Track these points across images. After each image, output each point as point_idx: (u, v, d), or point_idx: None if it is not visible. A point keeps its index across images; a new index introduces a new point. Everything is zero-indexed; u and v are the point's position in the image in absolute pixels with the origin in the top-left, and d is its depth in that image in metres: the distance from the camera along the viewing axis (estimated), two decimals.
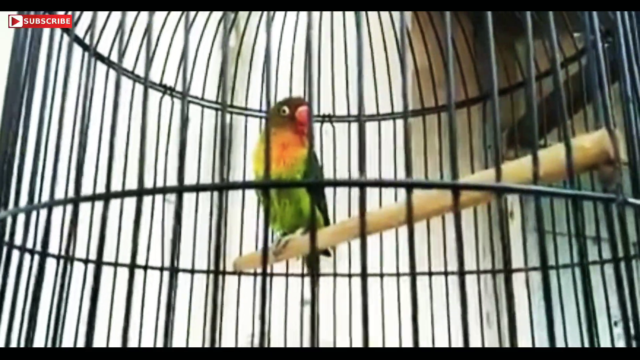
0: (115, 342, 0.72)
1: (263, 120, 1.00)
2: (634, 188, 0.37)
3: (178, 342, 0.82)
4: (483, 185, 0.33)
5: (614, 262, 0.35)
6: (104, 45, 0.77)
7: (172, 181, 0.81)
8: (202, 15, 0.96)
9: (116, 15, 0.71)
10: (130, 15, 0.74)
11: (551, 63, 0.45)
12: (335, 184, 0.33)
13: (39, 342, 0.48)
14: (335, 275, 0.91)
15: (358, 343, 0.32)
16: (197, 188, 0.33)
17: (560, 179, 0.37)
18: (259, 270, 0.90)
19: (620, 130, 0.39)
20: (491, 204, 0.79)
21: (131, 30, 0.73)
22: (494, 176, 0.33)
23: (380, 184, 0.31)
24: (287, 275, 0.91)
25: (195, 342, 0.83)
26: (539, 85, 0.85)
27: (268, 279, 0.89)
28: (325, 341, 0.88)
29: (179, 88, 0.93)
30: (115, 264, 0.72)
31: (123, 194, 0.34)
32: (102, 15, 0.73)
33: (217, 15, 0.99)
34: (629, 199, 0.34)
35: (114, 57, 0.81)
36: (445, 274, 0.85)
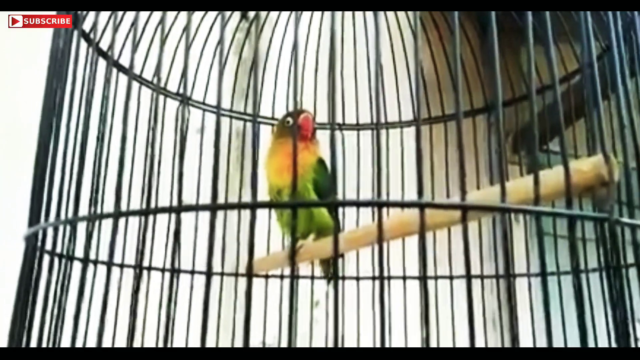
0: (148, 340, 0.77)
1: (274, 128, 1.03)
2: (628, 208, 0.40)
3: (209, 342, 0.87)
4: (490, 206, 0.37)
5: (606, 271, 0.39)
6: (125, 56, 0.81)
7: (191, 191, 0.84)
8: (217, 23, 0.99)
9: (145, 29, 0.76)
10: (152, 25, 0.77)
11: (551, 80, 0.48)
12: (355, 204, 0.36)
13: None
14: (343, 278, 0.95)
15: (366, 343, 0.36)
16: (229, 206, 0.36)
17: (559, 198, 0.41)
18: (270, 273, 0.94)
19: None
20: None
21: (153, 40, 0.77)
22: (498, 194, 0.36)
23: (397, 204, 0.35)
24: (297, 277, 0.95)
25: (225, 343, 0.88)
26: (542, 96, 0.88)
27: (280, 281, 0.93)
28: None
29: (195, 97, 0.97)
30: (149, 268, 0.78)
31: (160, 210, 0.38)
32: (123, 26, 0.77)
33: (232, 24, 1.03)
34: (621, 218, 0.38)
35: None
36: (451, 277, 0.88)
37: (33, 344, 0.47)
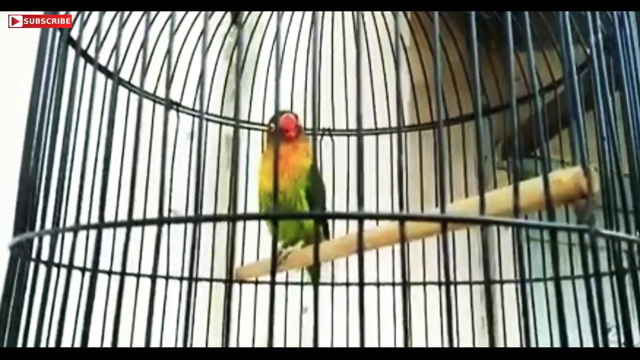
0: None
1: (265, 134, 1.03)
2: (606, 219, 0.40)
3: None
4: (469, 218, 0.37)
5: (586, 280, 0.40)
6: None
7: (180, 198, 0.84)
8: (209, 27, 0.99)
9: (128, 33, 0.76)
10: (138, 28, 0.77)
11: (531, 89, 0.48)
12: (336, 216, 0.37)
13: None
14: (333, 284, 0.95)
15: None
16: (211, 218, 0.36)
17: (539, 209, 0.41)
18: (260, 279, 0.94)
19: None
20: None
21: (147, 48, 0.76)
22: (478, 206, 0.37)
23: (376, 216, 0.35)
24: (287, 284, 0.95)
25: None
26: (529, 103, 0.89)
27: (270, 287, 0.93)
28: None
29: (184, 102, 0.97)
30: (138, 275, 0.78)
31: (144, 222, 0.38)
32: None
33: (223, 29, 1.03)
34: (601, 229, 0.38)
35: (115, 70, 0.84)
36: (439, 284, 0.89)
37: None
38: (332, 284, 0.95)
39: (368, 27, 0.97)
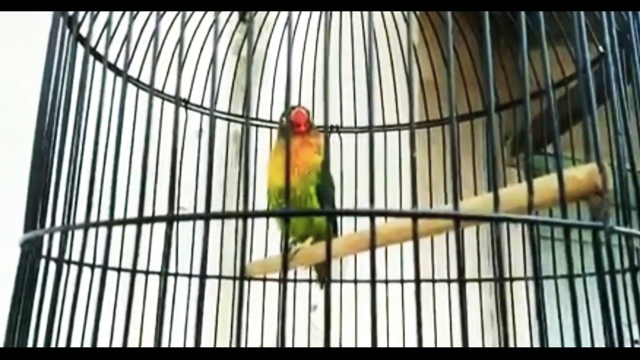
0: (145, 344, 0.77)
1: (273, 131, 1.03)
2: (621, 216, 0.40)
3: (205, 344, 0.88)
4: (482, 216, 0.37)
5: (600, 277, 0.39)
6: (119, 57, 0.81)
7: (189, 195, 0.84)
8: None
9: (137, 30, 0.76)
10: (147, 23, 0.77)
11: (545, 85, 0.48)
12: (347, 213, 0.36)
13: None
14: (342, 281, 0.95)
15: (364, 345, 0.36)
16: (223, 215, 0.36)
17: (554, 206, 0.41)
18: (268, 276, 0.94)
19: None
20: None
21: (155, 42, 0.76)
22: (491, 203, 0.36)
23: (389, 214, 0.35)
24: (295, 281, 0.95)
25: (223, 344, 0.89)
26: (539, 99, 0.88)
27: (280, 284, 0.93)
28: (332, 345, 0.91)
29: (193, 99, 0.97)
30: (147, 272, 0.79)
31: (154, 219, 0.38)
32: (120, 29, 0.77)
33: (231, 25, 1.03)
34: (615, 226, 0.38)
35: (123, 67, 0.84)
36: (448, 281, 0.88)
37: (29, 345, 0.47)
38: (341, 281, 0.95)
39: (376, 25, 0.97)
